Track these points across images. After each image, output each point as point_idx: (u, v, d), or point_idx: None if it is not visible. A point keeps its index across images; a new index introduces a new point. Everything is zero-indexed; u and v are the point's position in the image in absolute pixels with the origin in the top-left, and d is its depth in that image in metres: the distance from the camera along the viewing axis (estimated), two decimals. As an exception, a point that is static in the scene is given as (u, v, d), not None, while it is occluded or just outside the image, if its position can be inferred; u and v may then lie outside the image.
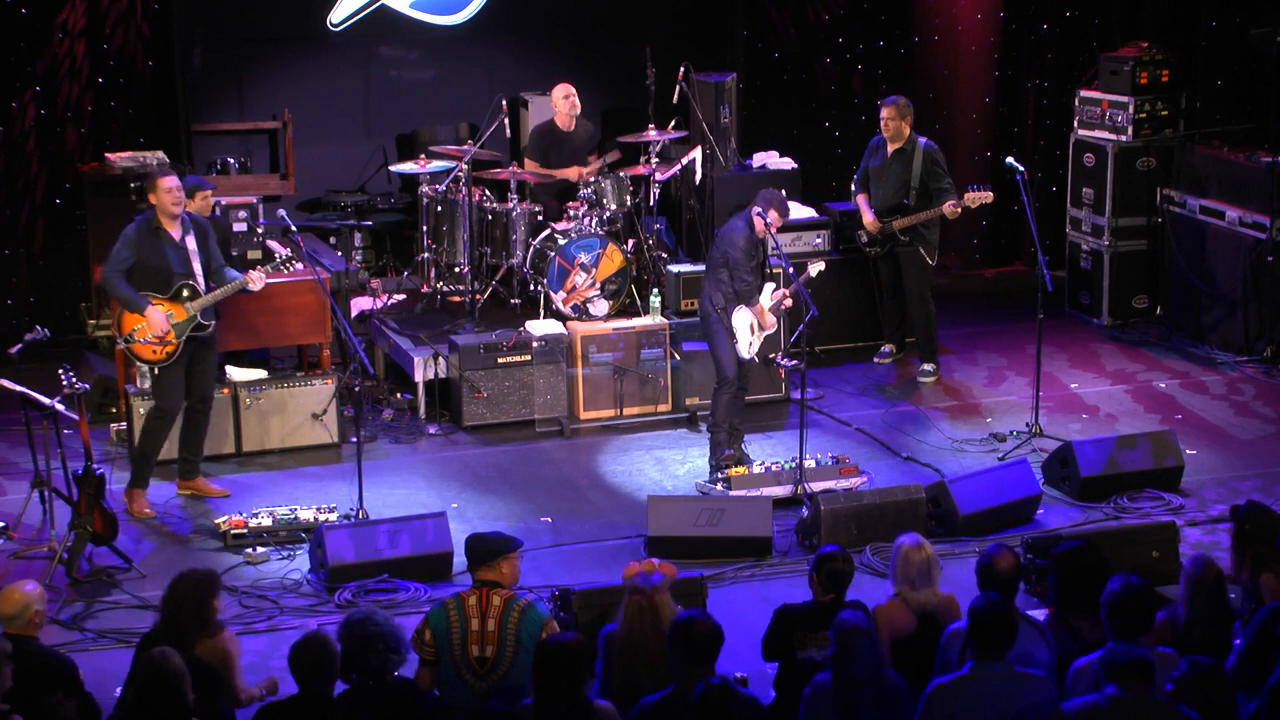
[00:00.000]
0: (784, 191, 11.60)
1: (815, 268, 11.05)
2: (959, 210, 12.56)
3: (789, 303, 11.01)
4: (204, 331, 10.48)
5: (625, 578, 7.48)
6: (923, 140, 12.75)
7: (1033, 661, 7.13)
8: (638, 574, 7.38)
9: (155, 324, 10.29)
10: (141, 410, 11.16)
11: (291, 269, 10.72)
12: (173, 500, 10.74)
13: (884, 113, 12.70)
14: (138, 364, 11.20)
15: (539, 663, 6.69)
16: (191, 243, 10.40)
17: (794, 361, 11.14)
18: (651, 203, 13.09)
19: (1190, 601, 7.56)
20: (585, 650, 6.75)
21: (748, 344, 10.84)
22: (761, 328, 10.87)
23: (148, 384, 11.24)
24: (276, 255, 10.74)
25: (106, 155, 13.17)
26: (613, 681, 7.24)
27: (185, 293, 10.37)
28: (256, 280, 10.51)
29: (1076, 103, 14.30)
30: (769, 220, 10.69)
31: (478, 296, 12.57)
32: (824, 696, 6.85)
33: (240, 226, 12.22)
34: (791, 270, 10.84)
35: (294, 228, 11.00)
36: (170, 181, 10.34)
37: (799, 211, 13.25)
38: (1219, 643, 7.43)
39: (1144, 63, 13.83)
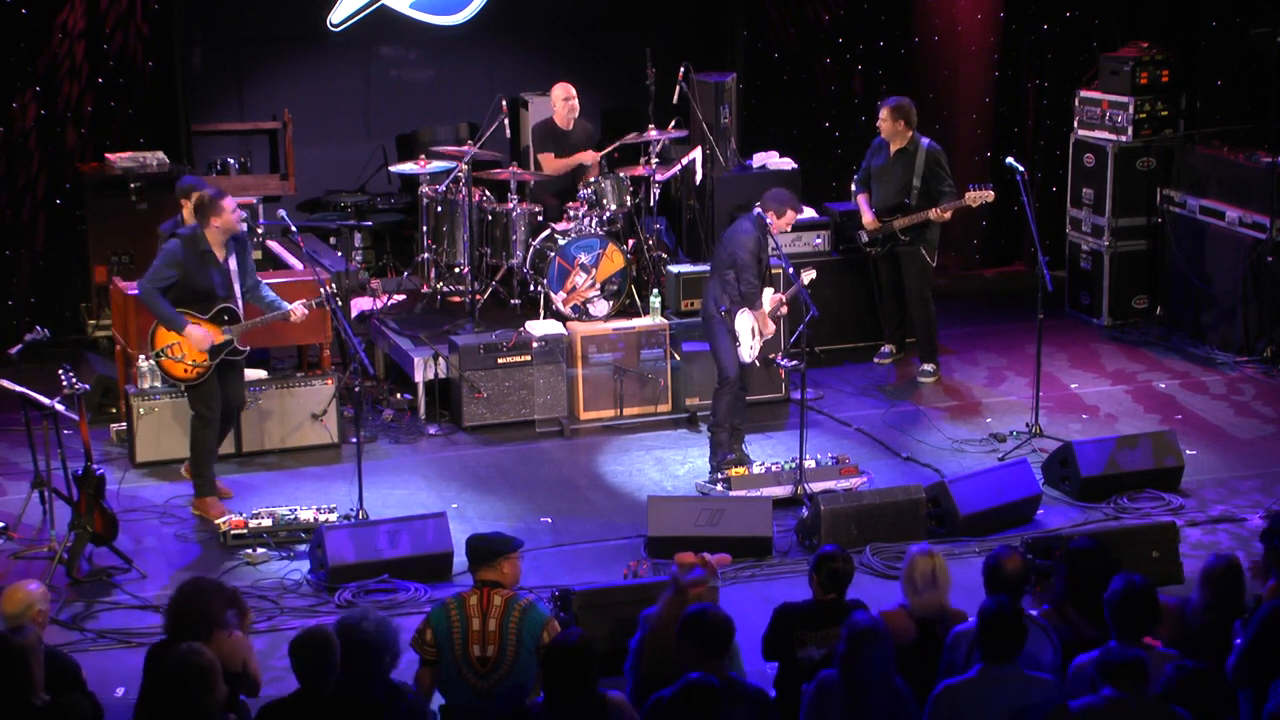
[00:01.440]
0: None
1: (807, 275, 11.05)
2: (947, 214, 12.57)
3: (785, 310, 11.02)
4: (238, 356, 10.43)
5: (678, 562, 7.55)
6: (925, 141, 12.75)
7: (1037, 663, 7.12)
8: (684, 564, 7.44)
9: (197, 340, 10.19)
10: (141, 411, 11.18)
11: (331, 307, 10.57)
12: (173, 500, 10.74)
13: (882, 114, 12.70)
14: (132, 369, 11.23)
15: (547, 665, 6.69)
16: (233, 263, 10.31)
17: (794, 362, 11.14)
18: (651, 203, 13.09)
19: (1210, 599, 7.51)
20: (591, 647, 6.76)
21: (749, 347, 10.84)
22: (762, 334, 10.87)
23: (148, 384, 11.26)
24: (322, 293, 10.50)
25: (106, 155, 13.17)
26: (642, 662, 7.27)
27: (226, 316, 10.28)
28: (298, 314, 10.48)
29: (1076, 103, 14.30)
30: (775, 224, 10.68)
31: (478, 297, 12.57)
32: (831, 694, 6.84)
33: (241, 227, 12.21)
34: (792, 271, 10.84)
35: (294, 228, 11.00)
36: (232, 202, 10.26)
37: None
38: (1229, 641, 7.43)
39: (1144, 63, 13.84)
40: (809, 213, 13.50)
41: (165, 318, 10.20)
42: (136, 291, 10.56)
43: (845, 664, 6.79)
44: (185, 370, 10.32)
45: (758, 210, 10.75)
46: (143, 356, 10.98)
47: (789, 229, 10.92)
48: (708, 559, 7.65)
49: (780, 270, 11.63)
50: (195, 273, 10.20)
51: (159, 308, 10.19)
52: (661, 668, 7.20)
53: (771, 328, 10.94)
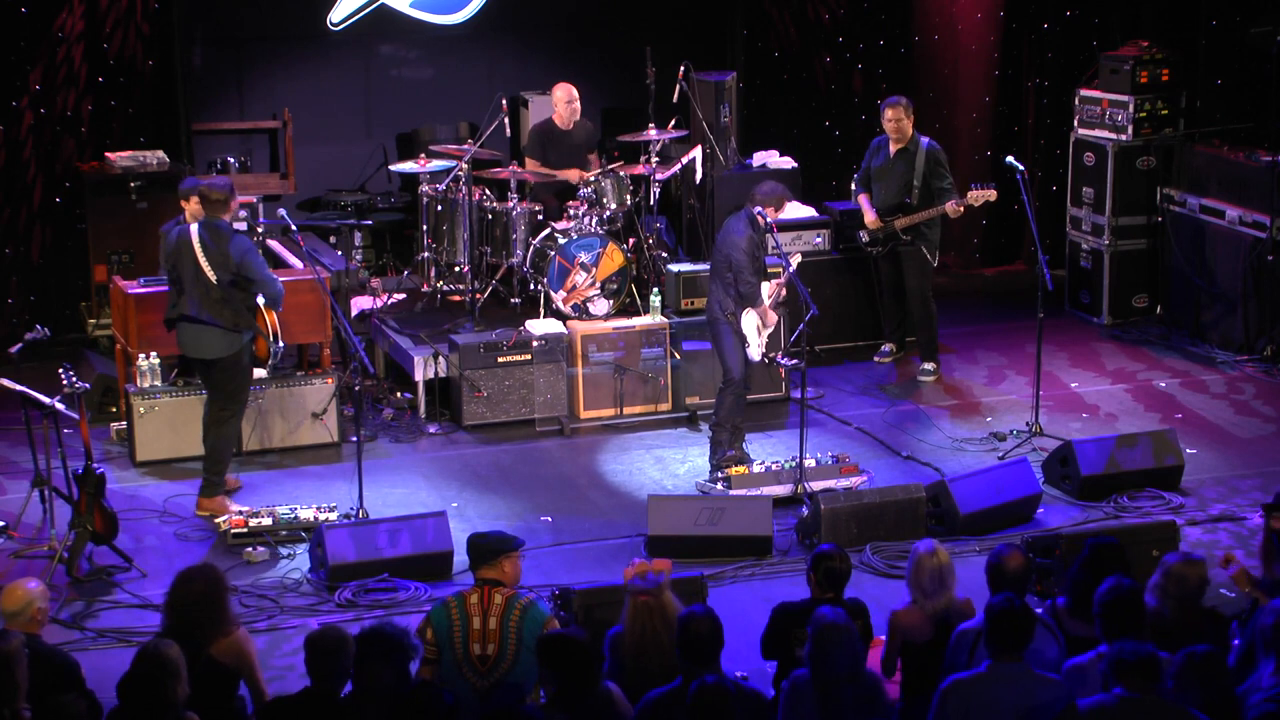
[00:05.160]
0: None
1: (795, 259, 11.05)
2: (961, 209, 12.57)
3: (784, 293, 11.02)
4: None
5: (625, 579, 7.48)
6: (925, 140, 12.75)
7: (1042, 660, 7.12)
8: (634, 576, 7.38)
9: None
10: (141, 410, 11.18)
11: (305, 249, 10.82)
12: (173, 499, 10.74)
13: (888, 113, 12.71)
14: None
15: (554, 658, 6.70)
16: None
17: (794, 361, 11.14)
18: (652, 202, 13.09)
19: (1164, 594, 7.49)
20: (590, 641, 6.78)
21: (756, 345, 10.85)
22: (766, 325, 10.88)
23: (148, 383, 11.26)
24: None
25: (106, 155, 13.18)
26: (624, 683, 7.25)
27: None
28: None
29: (1077, 102, 14.30)
30: (770, 216, 10.69)
31: (478, 296, 12.57)
32: (804, 693, 6.86)
33: (240, 226, 12.22)
34: (789, 267, 10.84)
35: (294, 227, 11.00)
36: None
37: (799, 211, 13.26)
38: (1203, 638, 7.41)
39: (1144, 62, 13.84)
40: (809, 212, 13.52)
41: (280, 305, 10.44)
42: (269, 290, 10.38)
43: (813, 662, 6.82)
44: (266, 350, 10.52)
45: (754, 210, 10.74)
46: (273, 350, 10.65)
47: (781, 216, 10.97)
48: (647, 564, 7.57)
49: (779, 269, 11.62)
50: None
51: (280, 296, 10.40)
52: (645, 674, 7.18)
53: (774, 317, 10.94)
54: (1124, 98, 13.84)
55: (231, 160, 14.01)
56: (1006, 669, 6.84)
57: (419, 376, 12.05)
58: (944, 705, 6.79)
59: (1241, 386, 12.69)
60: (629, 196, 12.82)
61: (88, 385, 10.22)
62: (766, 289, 10.86)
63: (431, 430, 11.86)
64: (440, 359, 12.02)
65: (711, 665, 6.85)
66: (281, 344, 10.44)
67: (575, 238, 12.39)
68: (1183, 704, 6.54)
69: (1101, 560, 7.62)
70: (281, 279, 11.11)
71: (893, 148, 12.78)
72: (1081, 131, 14.23)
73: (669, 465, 11.34)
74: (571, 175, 13.26)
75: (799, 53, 15.16)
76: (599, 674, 6.74)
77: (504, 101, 12.89)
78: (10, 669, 6.64)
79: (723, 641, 6.90)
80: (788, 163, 13.76)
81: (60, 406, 9.94)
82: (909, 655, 7.56)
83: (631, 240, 12.88)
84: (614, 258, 12.45)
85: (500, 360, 11.90)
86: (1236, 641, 7.40)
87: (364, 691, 6.70)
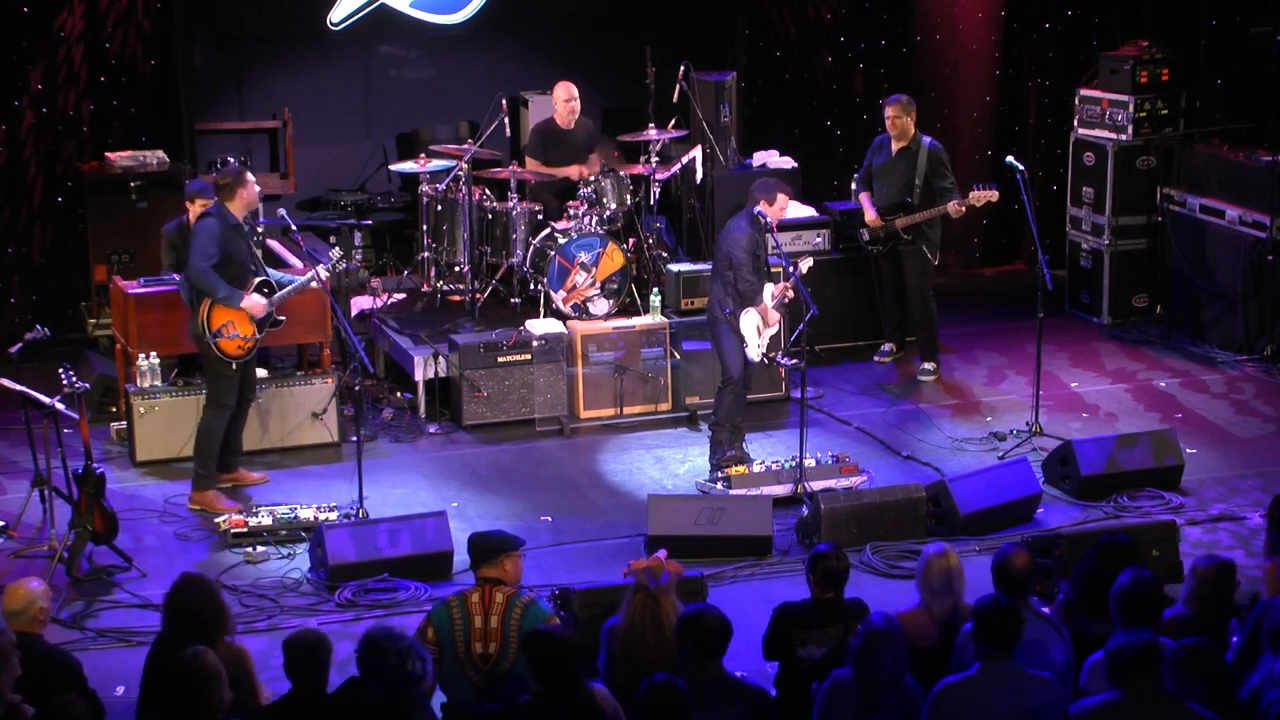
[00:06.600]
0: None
1: (805, 264, 11.06)
2: (963, 209, 12.57)
3: (790, 294, 11.01)
4: (278, 326, 10.59)
5: (631, 570, 7.47)
6: (927, 139, 12.75)
7: (1047, 660, 7.10)
8: (645, 569, 7.37)
9: (256, 309, 10.34)
10: (141, 410, 11.17)
11: (342, 268, 10.81)
12: (172, 499, 10.74)
13: (888, 111, 12.72)
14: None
15: (534, 656, 6.70)
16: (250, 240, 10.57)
17: (794, 360, 11.14)
18: (652, 202, 13.09)
19: (1197, 596, 7.50)
20: (577, 641, 6.78)
21: (755, 346, 10.84)
22: (766, 325, 10.88)
23: (148, 383, 11.26)
24: (332, 255, 10.86)
25: (107, 154, 13.17)
26: (613, 674, 7.26)
27: (265, 289, 10.42)
28: (322, 276, 10.62)
29: (1077, 102, 14.30)
30: (770, 212, 10.69)
31: (478, 295, 12.57)
32: (843, 693, 6.84)
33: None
34: (791, 268, 10.84)
35: (294, 227, 11.00)
36: (253, 177, 10.48)
37: (799, 210, 13.26)
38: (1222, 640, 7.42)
39: (1144, 62, 13.84)
40: (809, 212, 13.52)
41: (224, 294, 10.27)
42: (192, 274, 10.35)
43: (858, 663, 6.80)
44: (239, 347, 10.42)
45: (755, 209, 10.74)
46: (205, 336, 10.53)
47: (784, 213, 10.94)
48: (661, 560, 7.56)
49: (780, 269, 11.62)
50: (232, 248, 10.34)
51: (218, 285, 10.26)
52: (632, 668, 7.17)
53: (776, 318, 10.92)
54: (1124, 98, 13.84)
55: (231, 160, 14.01)
56: (997, 669, 6.81)
57: (419, 376, 12.05)
58: (936, 709, 6.77)
59: (1241, 386, 12.69)
60: (629, 196, 12.82)
61: (88, 385, 10.22)
62: (771, 290, 10.85)
63: (431, 430, 11.86)
64: (440, 359, 12.01)
65: (715, 661, 6.85)
66: (210, 336, 10.32)
67: (575, 238, 12.39)
68: (1183, 697, 6.53)
69: (1115, 558, 7.60)
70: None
71: (894, 146, 12.78)
72: (1081, 131, 14.23)
73: (669, 465, 11.34)
74: (571, 172, 13.25)
75: (800, 52, 15.16)
76: (581, 677, 6.70)
77: (504, 101, 12.89)
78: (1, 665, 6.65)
79: (730, 638, 6.90)
80: (788, 163, 13.75)
81: (60, 406, 9.94)
82: (915, 659, 7.52)
83: (631, 240, 12.88)
84: (614, 258, 12.45)
85: (500, 360, 11.90)
86: (1235, 639, 7.39)
87: (303, 693, 6.72)
